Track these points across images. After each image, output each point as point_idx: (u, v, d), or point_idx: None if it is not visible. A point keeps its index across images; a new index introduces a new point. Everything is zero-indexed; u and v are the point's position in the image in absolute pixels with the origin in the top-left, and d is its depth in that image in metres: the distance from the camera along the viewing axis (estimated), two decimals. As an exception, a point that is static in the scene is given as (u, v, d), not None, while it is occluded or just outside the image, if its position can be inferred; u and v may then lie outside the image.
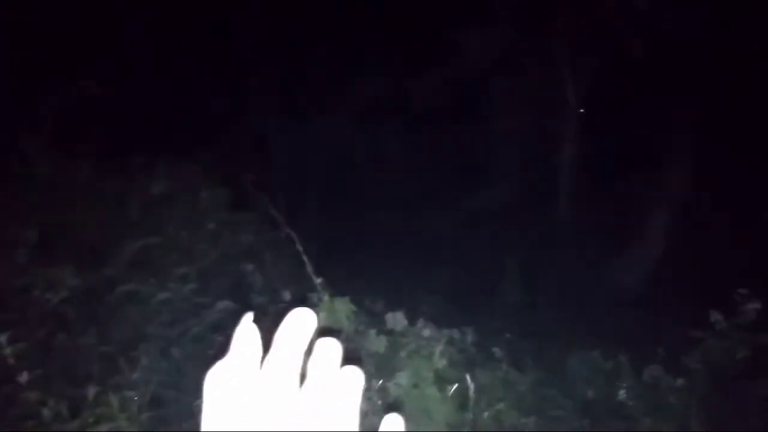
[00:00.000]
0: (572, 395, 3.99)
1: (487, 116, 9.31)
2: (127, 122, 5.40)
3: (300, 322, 0.46)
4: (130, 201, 4.57)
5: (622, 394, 3.92)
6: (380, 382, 2.48)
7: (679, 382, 3.69)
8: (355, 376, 0.46)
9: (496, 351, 3.75)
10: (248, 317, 0.49)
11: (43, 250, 3.62)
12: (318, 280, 2.54)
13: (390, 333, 3.19)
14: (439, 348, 2.86)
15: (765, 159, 7.31)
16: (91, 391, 2.09)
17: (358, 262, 6.56)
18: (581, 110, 9.04)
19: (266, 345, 0.48)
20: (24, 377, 1.94)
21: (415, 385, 2.39)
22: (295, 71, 9.85)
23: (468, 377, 2.51)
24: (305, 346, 0.46)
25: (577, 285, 6.82)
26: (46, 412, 1.98)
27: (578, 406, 3.91)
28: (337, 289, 3.16)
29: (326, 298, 2.57)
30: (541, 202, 8.79)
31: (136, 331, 3.46)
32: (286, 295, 3.16)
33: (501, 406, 3.19)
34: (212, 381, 0.46)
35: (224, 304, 3.77)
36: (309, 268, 2.51)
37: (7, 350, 1.95)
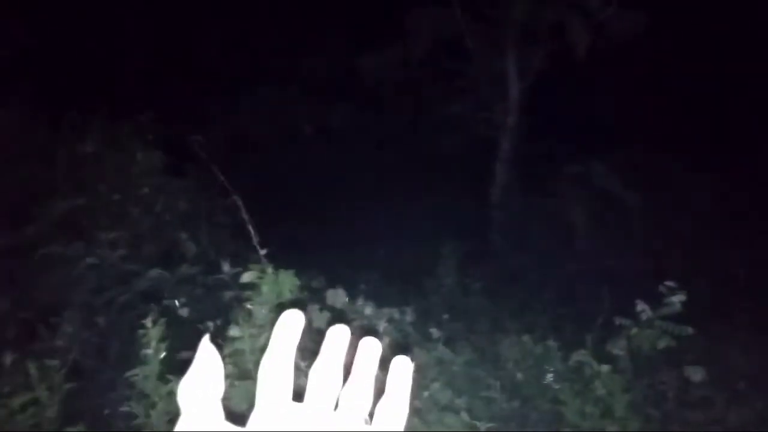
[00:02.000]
0: (502, 377, 4.09)
1: (432, 99, 9.33)
2: (62, 76, 5.04)
3: (291, 323, 0.50)
4: (59, 158, 4.30)
5: (549, 377, 4.06)
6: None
7: (605, 368, 3.84)
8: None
9: (433, 332, 3.78)
10: (206, 339, 0.52)
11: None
12: (263, 252, 2.45)
13: (332, 309, 3.15)
14: (381, 326, 2.83)
15: (698, 152, 7.69)
16: (8, 358, 1.94)
17: (296, 237, 6.45)
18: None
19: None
20: (-67, 340, 1.78)
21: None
22: (243, 37, 9.53)
23: (408, 359, 2.49)
24: (295, 346, 0.50)
25: (510, 272, 6.99)
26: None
27: (508, 387, 4.02)
28: (278, 262, 3.08)
29: (270, 270, 2.49)
30: (480, 188, 8.93)
31: (59, 296, 3.26)
32: (225, 266, 3.04)
33: (436, 385, 3.22)
34: (186, 393, 0.48)
35: (155, 273, 3.61)
36: (255, 239, 2.42)
37: None
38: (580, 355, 4.00)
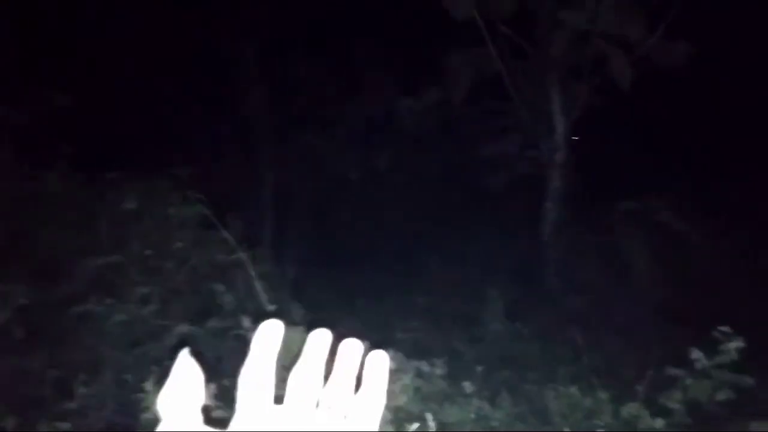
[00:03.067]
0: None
1: (475, 138, 9.24)
2: (98, 136, 5.25)
3: (270, 332, 0.51)
4: (97, 217, 4.42)
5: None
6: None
7: (659, 421, 3.54)
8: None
9: (466, 385, 3.59)
10: (185, 352, 0.53)
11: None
12: (271, 308, 2.39)
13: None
14: (404, 381, 2.69)
15: (752, 194, 7.24)
16: (10, 422, 1.92)
17: (339, 283, 6.40)
18: (574, 138, 8.97)
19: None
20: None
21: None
22: (283, 86, 9.78)
23: (429, 415, 2.35)
24: (275, 354, 0.51)
25: (558, 317, 6.67)
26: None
27: (557, 445, 3.75)
28: (313, 310, 3.01)
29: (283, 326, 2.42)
30: (529, 228, 8.67)
31: (90, 354, 3.29)
32: (245, 322, 2.99)
33: (469, 444, 3.02)
34: (165, 401, 0.49)
35: (186, 328, 3.60)
36: (262, 296, 2.36)
37: None
38: (632, 408, 3.72)
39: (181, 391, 0.50)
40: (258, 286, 2.39)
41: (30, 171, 4.26)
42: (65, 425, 2.49)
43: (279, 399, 0.50)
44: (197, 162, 5.63)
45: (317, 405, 0.50)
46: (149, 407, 3.23)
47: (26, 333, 3.01)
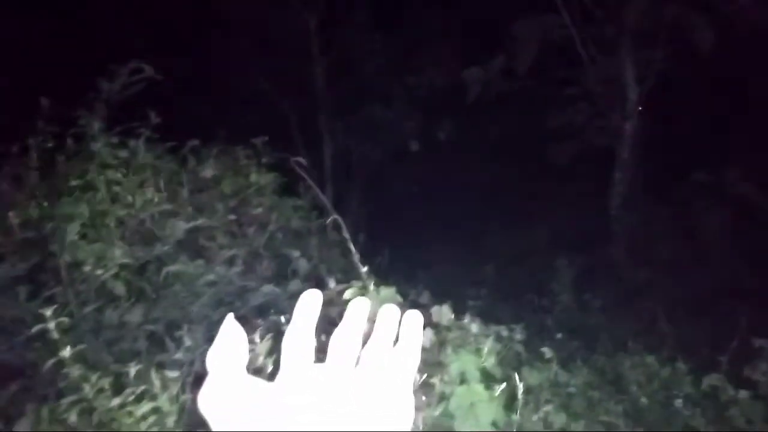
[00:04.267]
0: (624, 401, 3.81)
1: (543, 108, 9.03)
2: (180, 105, 5.44)
3: (311, 300, 0.57)
4: (180, 183, 4.61)
5: (678, 403, 3.73)
6: (424, 376, 2.39)
7: (743, 393, 3.47)
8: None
9: (546, 351, 3.60)
10: (230, 316, 0.58)
11: (93, 227, 3.68)
12: (363, 269, 2.47)
13: (436, 326, 3.09)
14: (487, 345, 2.74)
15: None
16: (133, 369, 2.07)
17: (403, 253, 6.47)
18: (640, 108, 8.66)
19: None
20: (67, 352, 1.94)
21: (462, 382, 2.29)
22: (349, 59, 9.82)
23: (516, 377, 2.39)
24: (315, 320, 0.56)
25: (634, 287, 6.54)
26: (87, 388, 1.98)
27: (630, 412, 3.73)
28: (381, 279, 3.09)
29: (372, 287, 2.50)
30: (598, 200, 8.48)
31: (182, 311, 3.47)
32: (331, 283, 3.10)
33: (549, 408, 3.05)
34: (213, 359, 0.54)
35: (268, 288, 3.75)
36: (355, 257, 2.43)
37: (51, 324, 1.95)
38: (713, 379, 3.65)
39: (227, 349, 0.55)
40: (352, 247, 2.47)
41: (120, 139, 4.46)
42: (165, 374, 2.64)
43: (321, 360, 0.54)
44: (270, 132, 5.75)
45: (356, 364, 0.54)
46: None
47: (126, 290, 3.20)
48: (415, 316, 0.57)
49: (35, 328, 1.97)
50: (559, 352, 4.00)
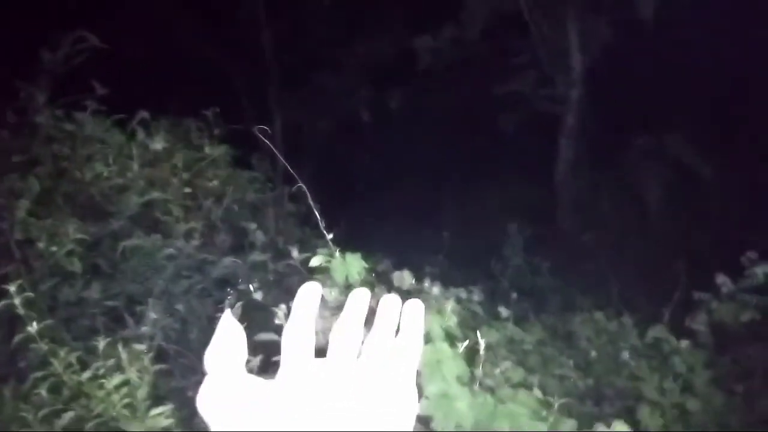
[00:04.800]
0: (575, 355, 4.02)
1: (490, 77, 9.15)
2: (128, 77, 5.26)
3: (310, 293, 0.55)
4: (130, 156, 4.50)
5: (625, 354, 3.96)
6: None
7: (684, 343, 3.71)
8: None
9: (502, 311, 3.75)
10: (228, 312, 0.56)
11: (44, 203, 3.57)
12: (329, 236, 2.50)
13: (398, 291, 3.17)
14: (448, 306, 2.84)
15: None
16: (101, 343, 2.06)
17: (359, 223, 6.52)
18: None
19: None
20: (34, 327, 1.92)
21: (427, 341, 2.38)
22: (298, 28, 9.65)
23: (479, 334, 2.50)
24: (315, 313, 0.55)
25: (581, 250, 6.82)
26: (56, 363, 1.96)
27: (582, 365, 3.94)
28: (344, 247, 3.13)
29: (337, 254, 2.54)
30: (545, 166, 8.72)
31: (141, 286, 3.44)
32: (294, 252, 3.12)
33: (507, 363, 3.19)
34: (211, 358, 0.52)
35: (229, 261, 3.75)
36: (321, 223, 2.47)
37: (17, 300, 1.91)
38: (657, 331, 3.89)
39: (226, 348, 0.53)
40: (318, 215, 2.49)
41: (65, 111, 4.31)
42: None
43: (322, 353, 0.53)
44: (219, 103, 5.64)
45: (358, 356, 0.52)
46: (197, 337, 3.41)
47: (81, 267, 3.14)
48: (416, 305, 0.56)
49: (1, 302, 1.93)
50: (514, 312, 4.17)
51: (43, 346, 1.89)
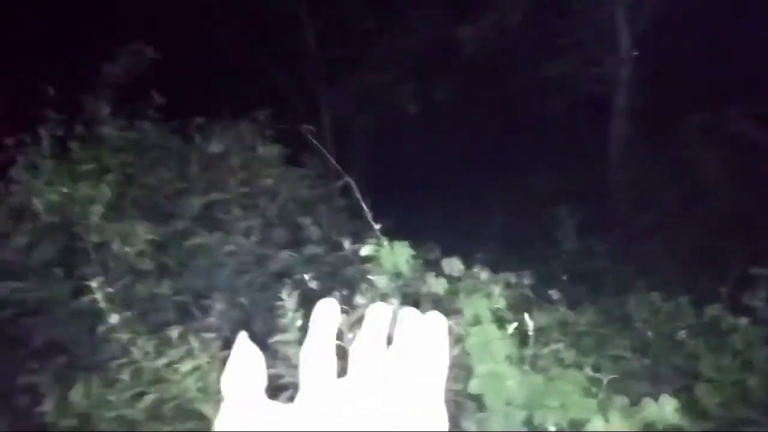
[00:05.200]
0: (631, 336, 4.01)
1: (535, 61, 9.06)
2: (183, 85, 5.54)
3: (328, 310, 0.54)
4: (189, 160, 4.75)
5: (682, 334, 3.92)
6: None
7: (742, 320, 3.66)
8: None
9: (553, 293, 3.79)
10: (243, 335, 0.53)
11: (115, 208, 3.84)
12: (377, 226, 2.63)
13: (448, 278, 3.27)
14: (497, 289, 2.92)
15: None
16: (175, 332, 2.26)
17: (409, 214, 6.63)
18: (635, 53, 8.68)
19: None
20: (115, 319, 2.12)
21: (476, 323, 2.47)
22: (339, 24, 9.80)
23: (527, 316, 2.57)
24: (334, 331, 0.53)
25: (637, 230, 6.72)
26: (135, 351, 2.16)
27: (637, 346, 3.93)
28: (393, 236, 3.25)
29: (386, 243, 2.66)
30: (595, 147, 8.59)
31: (207, 281, 3.66)
32: (346, 243, 3.26)
33: (560, 345, 3.24)
34: (227, 383, 0.51)
35: (286, 255, 3.94)
36: (368, 215, 2.59)
37: (98, 294, 2.12)
38: (714, 309, 3.84)
39: (243, 372, 0.51)
40: (365, 206, 2.62)
41: (127, 121, 4.59)
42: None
43: (343, 372, 0.51)
44: (269, 105, 5.85)
45: (381, 375, 0.50)
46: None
47: (154, 264, 3.37)
48: (438, 319, 0.54)
49: (85, 299, 2.15)
50: (567, 295, 4.20)
51: (124, 336, 2.09)
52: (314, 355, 0.51)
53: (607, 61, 8.69)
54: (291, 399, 0.50)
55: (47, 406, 2.43)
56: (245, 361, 0.52)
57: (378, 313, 0.53)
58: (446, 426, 0.50)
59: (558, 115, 8.80)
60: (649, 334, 4.05)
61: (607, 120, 8.69)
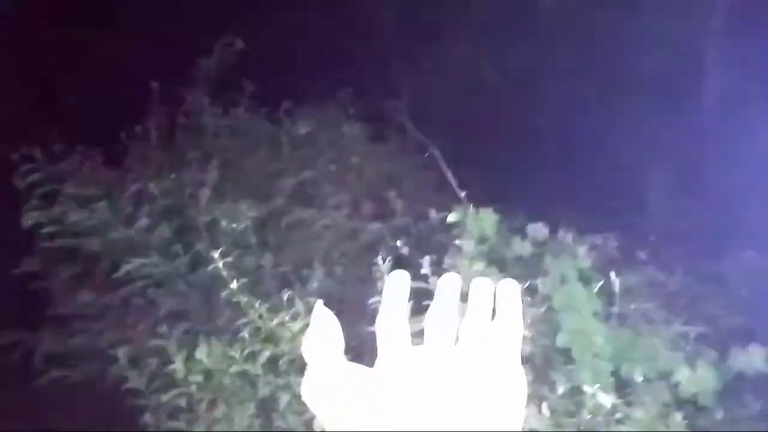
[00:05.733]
0: (725, 294, 3.96)
1: (620, 20, 8.72)
2: (271, 72, 5.85)
3: (399, 281, 0.56)
4: (281, 143, 5.08)
5: (779, 291, 3.83)
6: (527, 282, 2.70)
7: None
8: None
9: (641, 254, 3.79)
10: (320, 303, 0.57)
11: (219, 190, 4.20)
12: (462, 194, 2.78)
13: (533, 241, 3.37)
14: (582, 250, 3.00)
15: None
16: (285, 296, 2.53)
17: (493, 181, 6.68)
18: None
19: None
20: (234, 284, 2.41)
21: (562, 282, 2.58)
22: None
23: (613, 275, 2.65)
24: (406, 301, 0.54)
25: (730, 188, 6.45)
26: (252, 312, 2.45)
27: (731, 305, 3.87)
28: (479, 203, 3.38)
29: (471, 209, 2.81)
30: (686, 106, 8.22)
31: (306, 253, 3.97)
32: (432, 213, 3.44)
33: (649, 305, 3.28)
34: (309, 349, 0.54)
35: (375, 226, 4.18)
36: (453, 183, 2.74)
37: (220, 263, 2.42)
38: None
39: (323, 338, 0.54)
40: (449, 175, 2.78)
41: (223, 110, 4.95)
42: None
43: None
44: (351, 84, 6.05)
45: (456, 342, 0.51)
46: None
47: (256, 239, 3.70)
48: (510, 285, 0.55)
49: (210, 267, 2.46)
50: (656, 255, 4.17)
51: (243, 299, 2.38)
52: (389, 324, 0.53)
53: (695, 12, 8.24)
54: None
55: (176, 365, 2.78)
56: (323, 327, 0.55)
57: (448, 282, 0.55)
58: (524, 389, 0.50)
59: (647, 70, 8.44)
60: (743, 292, 3.98)
61: (699, 79, 8.27)
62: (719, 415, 2.25)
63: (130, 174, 4.53)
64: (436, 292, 0.54)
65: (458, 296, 0.54)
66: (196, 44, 5.34)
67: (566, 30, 9.25)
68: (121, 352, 2.92)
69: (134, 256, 3.47)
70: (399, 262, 2.70)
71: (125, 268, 3.38)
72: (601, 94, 8.80)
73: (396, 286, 0.55)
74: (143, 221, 3.55)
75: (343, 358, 0.53)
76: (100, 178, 4.18)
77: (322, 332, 0.55)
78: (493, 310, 0.54)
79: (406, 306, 0.54)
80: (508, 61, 10.14)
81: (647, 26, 8.54)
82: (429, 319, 0.53)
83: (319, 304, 0.57)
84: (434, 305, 0.53)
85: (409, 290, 0.55)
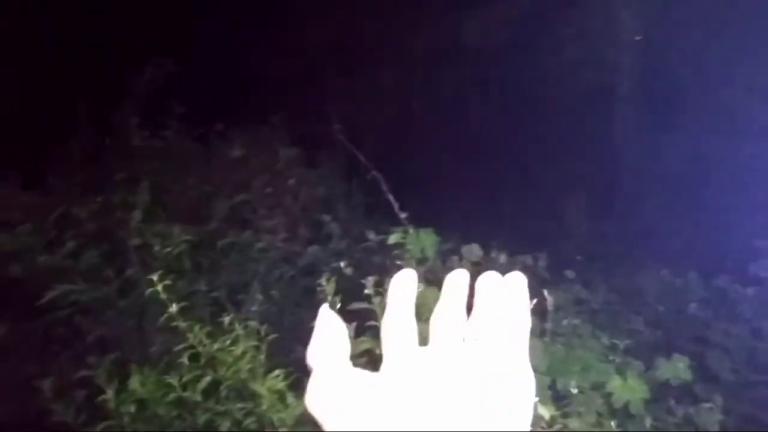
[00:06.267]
0: (644, 311, 4.21)
1: (541, 52, 9.23)
2: (202, 94, 5.77)
3: (406, 280, 0.54)
4: (214, 165, 5.00)
5: (693, 307, 4.11)
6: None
7: (750, 290, 3.84)
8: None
9: (569, 273, 3.98)
10: (325, 306, 0.55)
11: (150, 212, 4.08)
12: (403, 215, 2.84)
13: (468, 262, 3.48)
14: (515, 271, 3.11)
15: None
16: (226, 319, 2.48)
17: (425, 204, 6.83)
18: (638, 38, 8.84)
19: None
20: (174, 308, 2.35)
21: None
22: (343, 27, 9.99)
23: (545, 292, 2.77)
24: (413, 300, 0.53)
25: (638, 216, 6.90)
26: (191, 337, 2.39)
27: (650, 321, 4.12)
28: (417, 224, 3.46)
29: (411, 230, 2.87)
30: (602, 135, 8.75)
31: (239, 278, 3.90)
32: (371, 235, 3.48)
33: (577, 321, 3.44)
34: (314, 354, 0.52)
35: (313, 249, 4.17)
36: (395, 205, 2.80)
37: (159, 287, 2.35)
38: (722, 281, 4.03)
39: (328, 342, 0.51)
40: (390, 197, 2.83)
41: (152, 132, 4.83)
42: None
43: (424, 341, 0.51)
44: (285, 109, 6.06)
45: (463, 340, 0.50)
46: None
47: (191, 264, 3.61)
48: (518, 278, 0.54)
49: (148, 291, 2.38)
50: (581, 275, 4.39)
51: (182, 323, 2.31)
52: (395, 325, 0.51)
53: (610, 50, 8.84)
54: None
55: (107, 395, 2.66)
56: (329, 332, 0.52)
57: (455, 280, 0.53)
58: (533, 384, 0.50)
59: (563, 104, 8.95)
60: (661, 308, 4.24)
61: (613, 108, 8.84)
62: (648, 422, 2.39)
63: (52, 197, 4.33)
64: (443, 289, 0.53)
65: (466, 292, 0.53)
66: (126, 65, 5.21)
67: (489, 62, 9.67)
68: (46, 385, 2.75)
69: (59, 281, 3.30)
70: (341, 283, 2.72)
71: (49, 295, 3.21)
72: (523, 122, 9.24)
73: (402, 285, 0.53)
74: (69, 245, 3.38)
75: (349, 363, 0.51)
76: (20, 202, 3.97)
77: (327, 337, 0.52)
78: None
79: (413, 306, 0.52)
80: (436, 89, 10.49)
81: (564, 63, 9.09)
82: (434, 319, 0.52)
83: (325, 307, 0.55)
84: (441, 303, 0.52)
85: (415, 289, 0.53)
